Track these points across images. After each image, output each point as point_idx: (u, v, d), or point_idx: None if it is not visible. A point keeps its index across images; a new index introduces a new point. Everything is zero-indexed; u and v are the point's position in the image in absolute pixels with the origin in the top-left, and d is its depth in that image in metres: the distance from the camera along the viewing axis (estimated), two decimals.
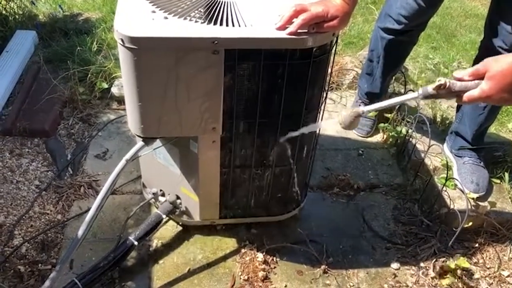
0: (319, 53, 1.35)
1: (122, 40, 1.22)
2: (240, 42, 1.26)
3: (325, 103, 1.58)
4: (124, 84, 1.35)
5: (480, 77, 1.01)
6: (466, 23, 3.43)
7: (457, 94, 1.02)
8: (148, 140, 1.46)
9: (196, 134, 1.44)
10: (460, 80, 1.02)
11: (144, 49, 1.23)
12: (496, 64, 1.01)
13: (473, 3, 3.84)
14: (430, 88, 1.02)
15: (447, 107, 2.50)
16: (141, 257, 1.68)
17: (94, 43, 2.40)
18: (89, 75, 2.26)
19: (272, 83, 1.37)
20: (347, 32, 3.04)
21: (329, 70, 1.49)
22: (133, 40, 1.21)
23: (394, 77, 2.38)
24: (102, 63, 2.32)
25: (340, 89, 2.55)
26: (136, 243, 1.61)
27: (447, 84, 1.00)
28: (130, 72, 1.28)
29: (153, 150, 1.65)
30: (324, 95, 1.56)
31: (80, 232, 1.43)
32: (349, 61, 2.62)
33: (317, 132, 1.67)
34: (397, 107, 2.19)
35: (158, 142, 1.54)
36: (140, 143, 1.46)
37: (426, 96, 1.03)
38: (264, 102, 1.40)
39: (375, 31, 2.06)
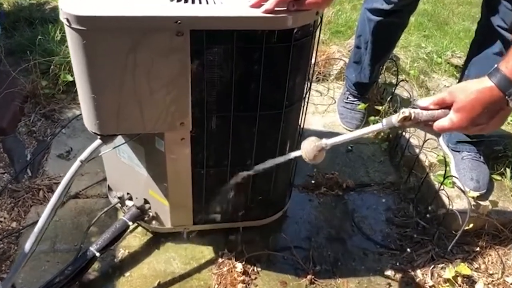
0: (301, 35, 1.17)
1: (68, 20, 1.04)
2: (208, 21, 1.07)
3: (309, 94, 1.40)
4: (75, 73, 1.16)
5: (446, 106, 0.93)
6: (459, 11, 3.28)
7: (425, 124, 0.94)
8: (106, 137, 1.27)
9: (161, 131, 1.26)
10: (425, 109, 0.93)
11: (94, 30, 1.04)
12: (463, 94, 0.90)
13: None
14: (394, 120, 0.94)
15: None
16: (105, 269, 1.49)
17: (58, 31, 2.20)
18: (52, 67, 2.06)
19: (247, 70, 1.19)
20: (334, 20, 2.87)
21: (314, 56, 1.31)
22: (80, 20, 1.02)
23: (385, 67, 2.21)
24: (66, 53, 2.12)
25: (327, 80, 2.38)
26: (98, 254, 1.43)
27: (412, 115, 0.92)
28: (80, 58, 1.09)
29: (116, 149, 1.47)
30: (308, 85, 1.38)
31: (27, 246, 1.24)
32: (337, 51, 2.45)
33: (301, 126, 1.49)
34: (388, 99, 2.02)
35: (120, 139, 1.36)
36: (97, 141, 1.28)
37: (391, 128, 0.96)
38: (239, 92, 1.22)
39: (362, 14, 1.88)
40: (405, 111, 0.92)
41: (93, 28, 1.04)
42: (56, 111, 2.05)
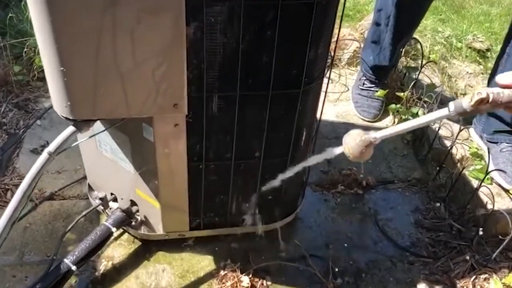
0: None
1: None
2: None
3: (330, 71, 1.16)
4: (38, 39, 0.90)
5: None
6: None
7: (506, 106, 0.73)
8: (80, 123, 1.01)
9: (150, 115, 1.01)
10: (506, 87, 0.72)
11: None
12: None
13: None
14: (466, 104, 0.73)
15: (464, 86, 2.10)
16: (83, 285, 1.24)
17: None
18: (26, 50, 1.80)
19: (258, 37, 0.94)
20: (341, 3, 2.62)
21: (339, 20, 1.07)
22: None
23: (403, 50, 1.96)
24: None
25: (338, 66, 2.13)
26: (74, 267, 1.17)
27: (490, 96, 0.71)
28: (43, 21, 0.84)
29: (96, 140, 1.22)
30: (330, 59, 1.13)
31: None
32: (348, 33, 2.20)
33: (320, 112, 1.25)
34: (412, 84, 1.77)
35: (98, 126, 1.10)
36: (69, 128, 1.02)
37: (461, 113, 0.74)
38: (247, 65, 0.98)
39: None
40: (481, 92, 0.70)
41: None
42: (31, 100, 1.79)
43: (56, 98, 0.96)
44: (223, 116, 1.06)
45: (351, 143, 0.85)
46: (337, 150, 0.88)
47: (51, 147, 1.01)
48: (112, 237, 1.31)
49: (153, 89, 0.95)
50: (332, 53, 1.95)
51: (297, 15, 0.93)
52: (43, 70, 1.76)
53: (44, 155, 1.01)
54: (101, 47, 0.87)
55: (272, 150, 1.17)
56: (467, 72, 2.20)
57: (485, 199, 1.46)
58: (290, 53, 0.99)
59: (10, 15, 1.87)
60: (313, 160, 1.01)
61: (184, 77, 0.95)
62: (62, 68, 0.89)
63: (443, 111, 0.73)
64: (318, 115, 1.25)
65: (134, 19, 0.85)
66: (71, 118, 0.98)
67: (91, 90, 0.93)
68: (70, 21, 0.84)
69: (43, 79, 1.85)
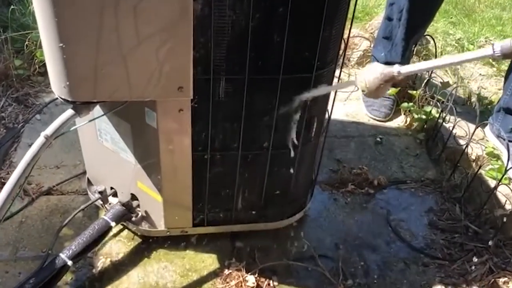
0: None
1: None
2: None
3: (344, 56, 1.10)
4: (37, 15, 0.85)
5: None
6: None
7: None
8: (80, 106, 0.96)
9: (153, 98, 0.95)
10: None
11: None
12: None
13: None
14: None
15: (477, 88, 2.04)
16: (80, 282, 1.18)
17: None
18: (27, 43, 1.75)
19: (269, 14, 0.89)
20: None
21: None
22: None
23: (415, 48, 1.91)
24: None
25: (348, 65, 2.07)
26: (70, 262, 1.11)
27: None
28: None
29: (96, 130, 1.16)
30: (343, 44, 1.08)
31: None
32: (357, 33, 2.15)
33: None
34: (424, 83, 1.71)
35: (97, 111, 1.05)
36: (68, 111, 0.96)
37: (506, 55, 0.68)
38: (257, 45, 0.92)
39: None
40: None
41: None
42: (31, 95, 1.74)
43: (54, 78, 0.91)
44: (230, 101, 1.00)
45: (369, 77, 0.78)
46: (352, 83, 0.83)
47: (48, 130, 0.95)
48: (111, 233, 1.26)
49: (157, 69, 0.89)
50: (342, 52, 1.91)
51: None
52: (44, 65, 1.74)
53: (40, 139, 0.94)
54: (102, 22, 0.82)
55: (282, 140, 1.10)
56: (480, 73, 2.14)
57: (503, 199, 1.39)
58: (302, 33, 0.93)
59: (12, 7, 1.83)
60: (327, 89, 0.95)
61: (190, 56, 0.89)
62: (61, 44, 0.84)
63: (485, 51, 0.66)
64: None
65: None
66: (69, 100, 0.92)
67: (92, 70, 0.88)
68: None
69: (44, 73, 1.81)
